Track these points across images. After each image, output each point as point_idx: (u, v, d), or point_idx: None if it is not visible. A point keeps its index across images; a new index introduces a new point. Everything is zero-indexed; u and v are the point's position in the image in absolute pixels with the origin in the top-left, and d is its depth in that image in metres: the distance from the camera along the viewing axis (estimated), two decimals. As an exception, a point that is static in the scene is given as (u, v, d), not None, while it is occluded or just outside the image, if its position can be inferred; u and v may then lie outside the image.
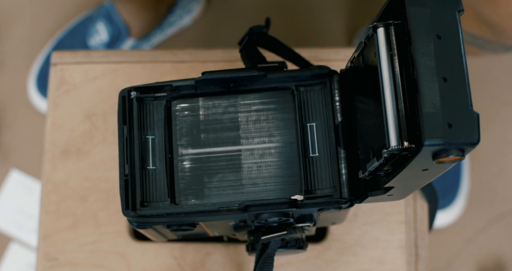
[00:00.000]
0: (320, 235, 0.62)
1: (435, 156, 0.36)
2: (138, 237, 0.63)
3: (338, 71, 0.48)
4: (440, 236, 1.12)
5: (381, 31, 0.40)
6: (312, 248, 0.61)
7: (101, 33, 1.14)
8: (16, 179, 1.17)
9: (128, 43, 1.16)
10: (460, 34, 0.38)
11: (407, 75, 0.38)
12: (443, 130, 0.35)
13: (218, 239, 0.62)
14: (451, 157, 0.36)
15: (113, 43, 1.15)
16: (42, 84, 1.16)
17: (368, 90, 0.42)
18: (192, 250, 0.62)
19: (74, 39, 1.17)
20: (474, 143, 0.36)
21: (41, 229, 0.63)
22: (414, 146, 0.37)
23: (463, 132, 0.36)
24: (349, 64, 0.47)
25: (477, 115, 0.36)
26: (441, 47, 0.37)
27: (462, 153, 0.36)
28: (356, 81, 0.45)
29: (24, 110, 1.20)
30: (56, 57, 0.67)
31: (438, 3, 0.38)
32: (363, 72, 0.44)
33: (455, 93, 0.36)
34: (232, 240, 0.61)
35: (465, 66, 0.37)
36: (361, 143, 0.44)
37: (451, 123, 0.36)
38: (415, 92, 0.37)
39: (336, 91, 0.47)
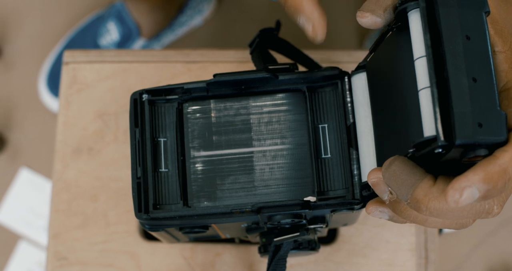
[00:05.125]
0: (330, 237, 0.62)
1: (463, 155, 0.36)
2: (148, 237, 0.63)
3: (350, 72, 0.48)
4: (449, 239, 1.11)
5: (415, 15, 0.39)
6: (322, 250, 0.61)
7: (112, 32, 1.15)
8: (26, 177, 1.18)
9: (139, 43, 1.16)
10: (487, 35, 0.38)
11: (437, 72, 0.38)
12: (473, 130, 0.36)
13: (228, 240, 0.62)
14: (479, 156, 0.36)
15: (123, 43, 1.15)
16: (53, 84, 1.17)
17: (394, 88, 0.42)
18: (202, 251, 0.62)
19: (85, 39, 1.17)
20: (502, 142, 0.36)
21: (51, 227, 0.63)
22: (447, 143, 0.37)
23: (492, 132, 0.36)
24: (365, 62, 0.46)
25: (505, 115, 0.37)
26: (470, 48, 0.37)
27: (490, 152, 0.36)
28: (376, 80, 0.45)
29: (34, 109, 1.20)
30: (68, 56, 0.67)
31: (465, 5, 0.38)
32: (389, 69, 0.43)
33: (484, 93, 0.37)
34: (243, 242, 0.61)
35: (492, 67, 0.37)
36: (379, 142, 0.44)
37: (481, 123, 0.36)
38: (447, 92, 0.37)
39: (348, 92, 0.47)
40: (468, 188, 0.36)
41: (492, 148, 0.36)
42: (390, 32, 0.42)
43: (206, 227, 0.49)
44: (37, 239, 1.15)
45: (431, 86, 0.37)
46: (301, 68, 0.57)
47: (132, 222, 0.63)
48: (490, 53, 0.38)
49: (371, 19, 0.41)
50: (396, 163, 0.39)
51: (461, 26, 0.38)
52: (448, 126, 0.36)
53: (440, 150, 0.37)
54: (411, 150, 0.39)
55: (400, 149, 0.40)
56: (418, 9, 0.39)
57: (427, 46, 0.38)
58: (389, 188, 0.41)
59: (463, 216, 0.39)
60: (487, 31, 0.38)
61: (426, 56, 0.38)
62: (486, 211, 0.39)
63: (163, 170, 0.48)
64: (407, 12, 0.40)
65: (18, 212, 1.17)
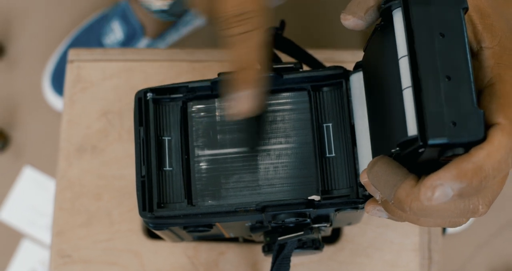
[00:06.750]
0: (334, 236, 0.62)
1: (441, 154, 0.36)
2: (152, 235, 0.63)
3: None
4: (452, 240, 1.11)
5: (398, 14, 0.39)
6: (325, 249, 0.61)
7: (116, 32, 1.15)
8: (29, 175, 1.18)
9: (143, 42, 1.16)
10: (465, 32, 0.38)
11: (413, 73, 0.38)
12: (447, 129, 0.36)
13: (232, 239, 0.62)
14: (457, 155, 0.36)
15: (128, 42, 1.15)
16: (57, 82, 1.17)
17: (382, 87, 0.42)
18: (205, 249, 0.62)
19: (89, 38, 1.17)
20: (479, 140, 0.36)
21: (55, 226, 0.63)
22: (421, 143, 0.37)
23: (467, 131, 0.36)
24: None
25: (482, 113, 0.36)
26: (445, 46, 0.37)
27: (467, 151, 0.36)
28: (369, 79, 0.45)
29: (37, 107, 1.20)
30: (73, 54, 0.67)
31: (441, 1, 0.38)
32: (379, 69, 0.43)
33: (459, 92, 0.36)
34: (246, 241, 0.61)
35: (469, 64, 0.37)
36: (374, 141, 0.44)
37: (456, 121, 0.36)
38: (419, 91, 0.36)
39: (351, 91, 0.47)
40: (440, 186, 0.35)
41: (468, 146, 0.36)
42: (376, 32, 0.43)
43: (210, 226, 0.49)
44: (40, 238, 1.15)
45: (412, 86, 0.37)
46: (305, 68, 0.57)
47: (135, 221, 0.63)
48: (467, 50, 0.37)
49: (353, 21, 0.42)
50: (378, 163, 0.39)
51: (436, 24, 0.37)
52: (423, 126, 0.36)
53: (423, 149, 0.37)
54: (394, 150, 0.39)
55: (387, 149, 0.40)
56: (400, 8, 0.39)
57: (407, 45, 0.38)
58: None
59: (448, 216, 0.39)
60: (464, 28, 0.38)
61: (407, 55, 0.38)
62: (471, 210, 0.38)
63: (167, 168, 0.48)
64: (391, 11, 0.40)
65: (21, 210, 1.17)
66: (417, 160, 0.38)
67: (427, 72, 0.37)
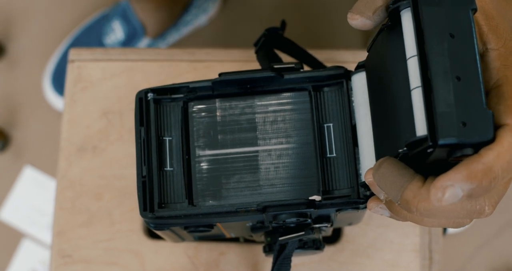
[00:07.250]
0: (334, 236, 0.62)
1: (450, 154, 0.36)
2: (152, 235, 0.63)
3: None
4: (453, 241, 1.11)
5: (407, 15, 0.39)
6: (326, 250, 0.61)
7: (116, 31, 1.15)
8: (29, 175, 1.18)
9: (144, 42, 1.16)
10: (474, 33, 0.38)
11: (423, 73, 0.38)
12: (457, 129, 0.36)
13: (233, 239, 0.62)
14: (466, 156, 0.36)
15: (128, 42, 1.15)
16: (57, 82, 1.17)
17: (388, 87, 0.42)
18: (206, 249, 0.62)
19: (90, 38, 1.17)
20: (488, 140, 0.36)
21: (56, 225, 0.63)
22: (431, 143, 0.37)
23: (477, 131, 0.36)
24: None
25: (492, 114, 0.36)
26: (455, 46, 0.37)
27: (477, 151, 0.36)
28: (373, 79, 0.45)
29: (38, 107, 1.20)
30: (73, 54, 0.67)
31: (451, 2, 0.38)
32: (384, 70, 0.43)
33: (469, 92, 0.37)
34: (247, 241, 0.61)
35: (478, 65, 0.37)
36: (377, 141, 0.44)
37: (465, 122, 0.36)
38: (429, 92, 0.36)
39: (352, 91, 0.47)
40: (450, 186, 0.35)
41: (478, 147, 0.36)
42: (382, 32, 0.43)
43: (211, 226, 0.49)
44: (41, 238, 1.15)
45: (422, 86, 0.37)
46: (306, 68, 0.57)
47: (136, 221, 0.63)
48: (476, 51, 0.37)
49: (361, 21, 0.42)
50: (385, 164, 0.39)
51: (446, 24, 0.38)
52: (432, 127, 0.36)
53: (432, 150, 0.37)
54: (401, 150, 0.39)
55: (393, 149, 0.40)
56: (409, 8, 0.39)
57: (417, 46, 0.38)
58: None
59: (454, 216, 0.39)
60: (473, 29, 0.38)
61: (417, 55, 0.38)
62: (478, 211, 0.38)
63: (168, 168, 0.48)
64: (399, 11, 0.40)
65: (22, 210, 1.17)
66: (425, 160, 0.38)
67: (437, 72, 0.37)
